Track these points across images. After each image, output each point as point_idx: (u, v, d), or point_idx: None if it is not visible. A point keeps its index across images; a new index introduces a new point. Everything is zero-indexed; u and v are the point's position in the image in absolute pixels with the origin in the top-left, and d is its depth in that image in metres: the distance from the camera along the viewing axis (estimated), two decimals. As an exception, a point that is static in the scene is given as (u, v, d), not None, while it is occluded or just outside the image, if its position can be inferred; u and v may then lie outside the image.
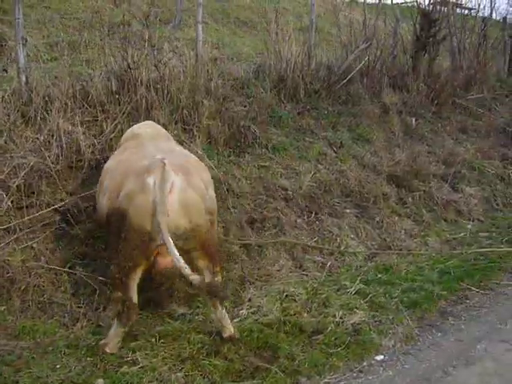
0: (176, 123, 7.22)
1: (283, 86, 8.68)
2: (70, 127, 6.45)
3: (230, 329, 4.59)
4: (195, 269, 4.24)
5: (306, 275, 6.09)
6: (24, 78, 6.54)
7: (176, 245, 4.02)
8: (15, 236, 5.37)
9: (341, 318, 5.01)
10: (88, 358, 4.30)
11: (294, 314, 5.10)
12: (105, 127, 6.73)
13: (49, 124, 6.32)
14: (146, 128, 5.53)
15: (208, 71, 7.83)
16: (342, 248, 6.72)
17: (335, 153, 8.25)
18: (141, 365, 4.21)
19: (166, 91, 7.26)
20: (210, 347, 4.47)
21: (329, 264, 6.38)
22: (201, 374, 4.15)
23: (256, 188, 7.07)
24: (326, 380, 4.25)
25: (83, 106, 6.83)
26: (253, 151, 7.62)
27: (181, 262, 3.96)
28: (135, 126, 5.76)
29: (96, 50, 7.25)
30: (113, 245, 4.34)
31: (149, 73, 7.25)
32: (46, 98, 6.54)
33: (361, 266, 6.40)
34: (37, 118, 6.40)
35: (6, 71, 6.86)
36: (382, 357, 4.58)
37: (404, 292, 5.63)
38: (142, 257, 4.17)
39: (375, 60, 9.73)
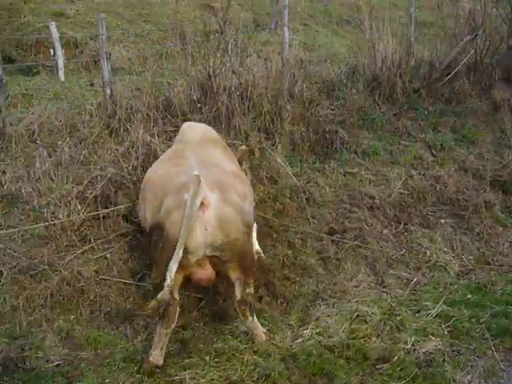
0: (258, 130, 7.06)
1: (378, 86, 8.17)
2: (149, 138, 6.53)
3: (261, 337, 4.69)
4: (228, 279, 4.59)
5: (386, 292, 5.60)
6: (109, 91, 6.75)
7: (213, 255, 4.30)
8: (89, 246, 5.52)
9: (413, 344, 4.53)
10: (137, 375, 4.26)
11: (362, 338, 4.70)
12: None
13: (130, 135, 6.45)
14: (194, 131, 5.47)
15: (294, 75, 7.55)
16: (432, 262, 6.12)
17: (433, 156, 7.58)
18: (186, 385, 4.10)
19: (248, 98, 7.12)
20: (261, 370, 4.25)
21: (414, 280, 5.83)
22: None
23: (340, 196, 6.70)
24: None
25: (166, 116, 6.91)
26: (340, 157, 7.24)
27: (168, 280, 4.09)
28: (186, 125, 5.69)
29: (179, 60, 7.26)
30: (154, 253, 4.45)
31: (230, 80, 7.16)
32: (129, 110, 6.70)
33: (451, 284, 5.77)
34: (120, 130, 6.57)
35: (93, 85, 7.11)
36: (453, 395, 4.06)
37: (494, 317, 4.96)
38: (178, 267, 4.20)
39: (484, 52, 8.81)
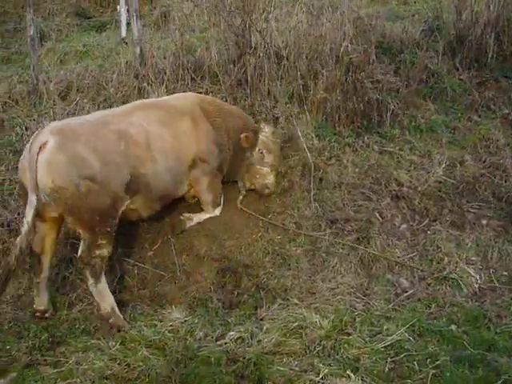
0: (291, 96, 6.37)
1: (462, 48, 6.74)
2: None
3: (103, 311, 4.50)
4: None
5: (364, 303, 4.76)
6: (138, 51, 6.61)
7: (49, 206, 4.35)
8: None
9: (322, 378, 3.79)
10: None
11: (280, 355, 4.07)
12: (211, 100, 6.37)
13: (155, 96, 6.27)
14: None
15: (344, 33, 6.56)
16: (445, 273, 5.03)
17: (506, 138, 6.10)
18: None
19: (285, 59, 6.42)
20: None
21: (409, 292, 4.86)
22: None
23: (361, 179, 5.79)
24: None
25: (194, 78, 6.57)
26: (383, 132, 6.23)
27: (24, 226, 4.24)
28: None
29: (210, 17, 6.74)
30: None
31: (270, 38, 6.50)
32: (156, 71, 6.50)
33: (450, 305, 4.67)
34: (144, 91, 6.43)
35: (126, 43, 7.01)
36: None
37: (459, 366, 3.89)
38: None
39: None
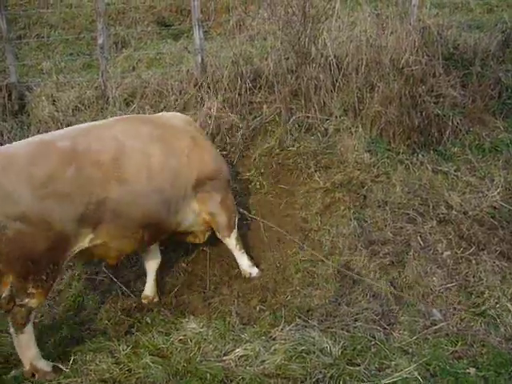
0: (346, 109, 6.16)
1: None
2: (227, 108, 6.36)
3: (24, 363, 3.92)
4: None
5: (390, 333, 4.46)
6: (199, 59, 6.72)
7: None
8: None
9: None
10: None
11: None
12: (265, 110, 6.37)
13: (210, 106, 6.37)
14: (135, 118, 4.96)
15: (414, 42, 6.21)
16: (482, 309, 4.59)
17: None
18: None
19: (342, 71, 6.23)
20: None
21: (437, 326, 4.50)
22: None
23: (408, 200, 5.45)
24: None
25: (254, 87, 6.57)
26: (441, 150, 5.83)
27: None
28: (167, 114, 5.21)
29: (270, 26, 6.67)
30: None
31: (332, 48, 6.33)
32: (215, 80, 6.59)
33: (480, 345, 4.25)
34: (201, 100, 6.55)
35: (189, 51, 7.13)
36: None
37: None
38: None
39: None
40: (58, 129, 6.45)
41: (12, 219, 3.56)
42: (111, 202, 4.00)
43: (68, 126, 6.53)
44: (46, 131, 6.51)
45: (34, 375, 3.92)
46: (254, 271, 5.12)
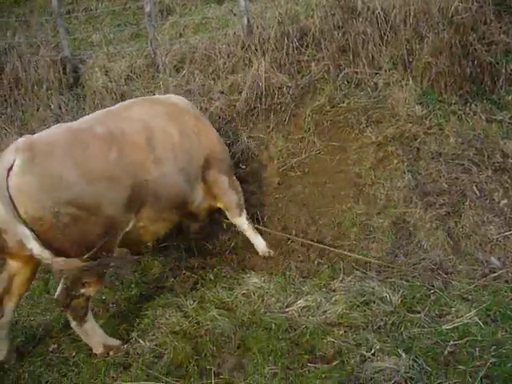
0: (395, 63, 6.10)
1: None
2: (275, 69, 6.39)
3: (96, 348, 3.98)
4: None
5: (449, 281, 4.51)
6: (245, 21, 6.75)
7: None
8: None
9: None
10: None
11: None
12: (313, 68, 6.37)
13: (254, 66, 6.43)
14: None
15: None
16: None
17: None
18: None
19: (390, 23, 6.15)
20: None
21: (496, 273, 4.53)
22: None
23: (462, 150, 5.41)
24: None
25: (301, 46, 6.57)
26: (494, 98, 5.73)
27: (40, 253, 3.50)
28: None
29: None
30: None
31: (378, 2, 6.25)
32: (262, 41, 6.61)
33: None
34: (248, 61, 6.60)
35: (235, 14, 7.14)
36: None
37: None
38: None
39: None
40: (113, 99, 6.73)
41: (65, 205, 3.55)
42: (151, 183, 4.04)
43: (122, 95, 6.77)
44: (101, 101, 6.77)
45: (109, 354, 4.00)
46: (270, 250, 5.12)
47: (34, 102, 7.00)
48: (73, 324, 3.89)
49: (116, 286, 4.98)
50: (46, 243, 3.52)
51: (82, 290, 3.80)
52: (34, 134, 6.14)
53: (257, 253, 5.19)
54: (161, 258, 5.32)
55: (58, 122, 6.68)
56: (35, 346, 4.27)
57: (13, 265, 3.84)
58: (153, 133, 4.18)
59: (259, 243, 5.16)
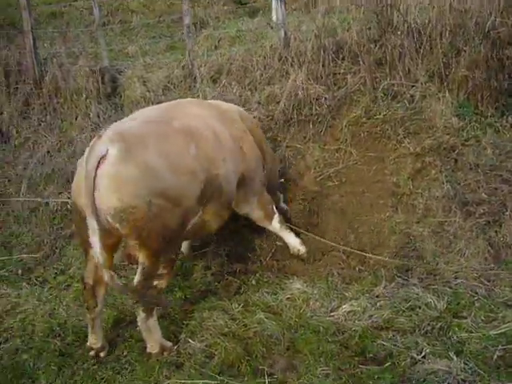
0: (431, 75, 6.22)
1: None
2: (312, 80, 6.53)
3: (154, 347, 4.06)
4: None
5: (492, 289, 4.58)
6: (282, 34, 6.91)
7: (113, 227, 3.68)
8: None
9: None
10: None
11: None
12: (349, 80, 6.51)
13: (292, 77, 6.57)
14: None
15: (499, 4, 6.18)
16: None
17: None
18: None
19: (426, 37, 6.28)
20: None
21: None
22: None
23: (500, 162, 5.51)
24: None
25: (337, 58, 6.71)
26: (531, 111, 5.83)
27: (97, 253, 3.56)
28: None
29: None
30: None
31: (411, 16, 6.39)
32: (298, 53, 6.76)
33: None
34: (285, 74, 6.74)
35: (272, 27, 7.31)
36: None
37: None
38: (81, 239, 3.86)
39: None
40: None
41: (156, 195, 3.68)
42: (218, 179, 4.20)
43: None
44: (139, 111, 6.90)
45: (163, 354, 4.08)
46: (303, 249, 5.21)
47: (72, 110, 7.15)
48: (141, 317, 3.98)
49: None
50: (134, 232, 3.68)
51: (156, 282, 3.94)
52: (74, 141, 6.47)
53: (297, 259, 5.27)
54: (201, 263, 5.41)
55: (96, 130, 6.91)
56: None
57: None
58: (216, 132, 4.32)
59: (292, 241, 5.24)
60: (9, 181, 6.59)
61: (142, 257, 3.81)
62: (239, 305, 4.66)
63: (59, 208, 6.08)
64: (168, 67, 7.31)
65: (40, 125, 7.11)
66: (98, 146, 3.65)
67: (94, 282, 4.00)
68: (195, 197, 3.99)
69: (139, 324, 4.06)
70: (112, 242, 3.83)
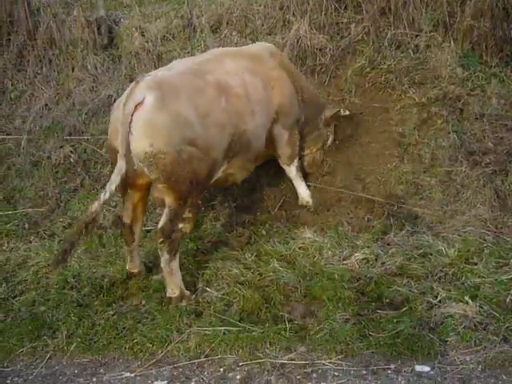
0: (436, 25, 6.17)
1: None
2: (315, 30, 6.44)
3: (173, 291, 4.17)
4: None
5: (500, 236, 4.68)
6: (283, -20, 6.74)
7: (142, 173, 3.92)
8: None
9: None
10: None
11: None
12: (352, 29, 6.42)
13: (294, 27, 6.47)
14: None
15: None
16: None
17: None
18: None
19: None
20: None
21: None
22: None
23: (505, 111, 5.56)
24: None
25: (340, 7, 6.59)
26: (536, 60, 5.84)
27: (110, 189, 3.84)
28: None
29: None
30: None
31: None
32: (300, 2, 6.62)
33: None
34: (291, 22, 6.62)
35: None
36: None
37: None
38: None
39: None
40: (150, 59, 6.74)
41: (187, 143, 3.88)
42: (247, 134, 4.37)
43: (158, 56, 6.79)
44: (138, 62, 6.78)
45: (181, 301, 4.18)
46: (311, 201, 5.30)
47: (68, 62, 6.97)
48: (165, 258, 4.09)
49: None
50: (163, 176, 3.86)
51: (181, 225, 4.10)
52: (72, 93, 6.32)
53: (306, 210, 5.31)
54: (211, 214, 5.42)
55: (95, 82, 6.79)
56: (103, 295, 4.39)
57: (133, 194, 4.23)
58: (247, 87, 4.44)
59: (302, 191, 5.33)
60: (7, 135, 6.46)
61: (169, 199, 3.99)
62: (252, 254, 4.73)
63: (62, 161, 5.99)
64: (166, 17, 7.12)
65: (36, 77, 6.93)
66: (136, 92, 3.82)
67: (131, 220, 4.30)
68: (222, 149, 4.18)
69: (162, 265, 4.15)
70: (143, 182, 4.08)
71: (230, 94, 4.26)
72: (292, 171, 5.27)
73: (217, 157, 4.15)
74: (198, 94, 4.05)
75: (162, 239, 4.02)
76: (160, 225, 4.06)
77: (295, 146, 5.19)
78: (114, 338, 3.92)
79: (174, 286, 4.18)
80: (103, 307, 4.26)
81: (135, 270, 4.51)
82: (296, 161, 5.25)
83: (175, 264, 4.15)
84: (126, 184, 4.04)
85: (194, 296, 4.28)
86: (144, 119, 3.78)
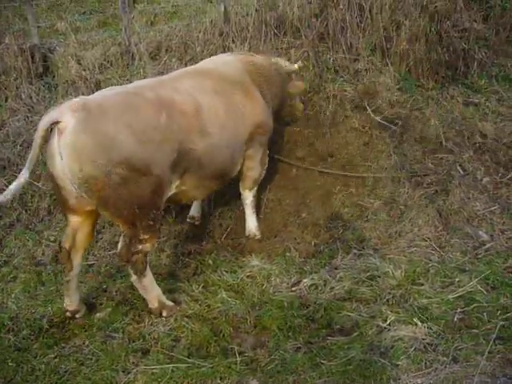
0: (373, 49, 6.31)
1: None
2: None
3: (152, 303, 4.18)
4: None
5: (444, 255, 4.75)
6: (222, 9, 6.76)
7: (81, 198, 3.78)
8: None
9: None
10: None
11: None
12: (292, 54, 6.47)
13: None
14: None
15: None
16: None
17: None
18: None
19: (367, 11, 6.34)
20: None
21: (486, 246, 4.79)
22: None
23: (443, 133, 5.69)
24: None
25: (279, 33, 6.65)
26: (468, 82, 6.04)
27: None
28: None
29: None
30: None
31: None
32: (240, 28, 6.65)
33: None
34: (230, 48, 6.61)
35: (211, 1, 7.16)
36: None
37: None
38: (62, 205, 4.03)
39: None
40: (87, 87, 6.57)
41: (116, 165, 3.67)
42: (196, 152, 4.18)
43: (96, 83, 6.63)
44: (75, 91, 6.59)
45: (161, 313, 4.16)
46: (258, 233, 5.19)
47: (1, 92, 6.72)
48: (133, 278, 4.08)
49: (114, 274, 4.91)
50: (100, 201, 3.75)
51: (140, 247, 3.97)
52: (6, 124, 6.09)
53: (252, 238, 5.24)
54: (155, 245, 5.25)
55: (30, 112, 6.54)
56: (43, 337, 4.15)
57: (73, 220, 4.04)
58: (201, 106, 4.27)
59: (251, 222, 5.22)
60: None
61: (119, 224, 3.98)
62: (199, 285, 4.60)
63: (-4, 196, 5.70)
64: (103, 44, 6.98)
65: (-33, 108, 6.63)
66: (55, 110, 3.73)
67: (69, 246, 4.09)
68: (167, 166, 3.97)
69: (134, 285, 4.15)
70: (85, 208, 3.92)
71: (173, 110, 4.06)
72: (249, 197, 5.15)
73: (160, 173, 3.92)
74: (130, 111, 3.84)
75: (123, 263, 4.04)
76: (118, 249, 4.09)
77: (263, 170, 5.10)
78: (56, 383, 3.69)
79: (151, 299, 4.17)
80: (43, 350, 4.01)
81: (71, 308, 4.23)
82: (255, 189, 5.15)
83: (146, 280, 4.11)
84: (66, 208, 3.94)
85: (178, 308, 4.25)
86: (68, 143, 3.62)
